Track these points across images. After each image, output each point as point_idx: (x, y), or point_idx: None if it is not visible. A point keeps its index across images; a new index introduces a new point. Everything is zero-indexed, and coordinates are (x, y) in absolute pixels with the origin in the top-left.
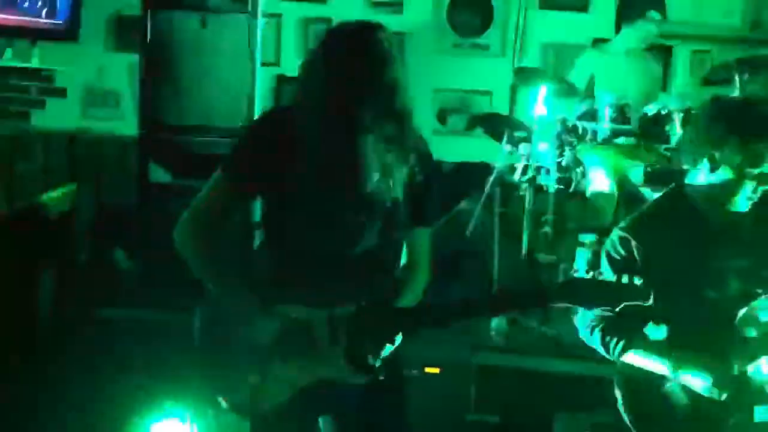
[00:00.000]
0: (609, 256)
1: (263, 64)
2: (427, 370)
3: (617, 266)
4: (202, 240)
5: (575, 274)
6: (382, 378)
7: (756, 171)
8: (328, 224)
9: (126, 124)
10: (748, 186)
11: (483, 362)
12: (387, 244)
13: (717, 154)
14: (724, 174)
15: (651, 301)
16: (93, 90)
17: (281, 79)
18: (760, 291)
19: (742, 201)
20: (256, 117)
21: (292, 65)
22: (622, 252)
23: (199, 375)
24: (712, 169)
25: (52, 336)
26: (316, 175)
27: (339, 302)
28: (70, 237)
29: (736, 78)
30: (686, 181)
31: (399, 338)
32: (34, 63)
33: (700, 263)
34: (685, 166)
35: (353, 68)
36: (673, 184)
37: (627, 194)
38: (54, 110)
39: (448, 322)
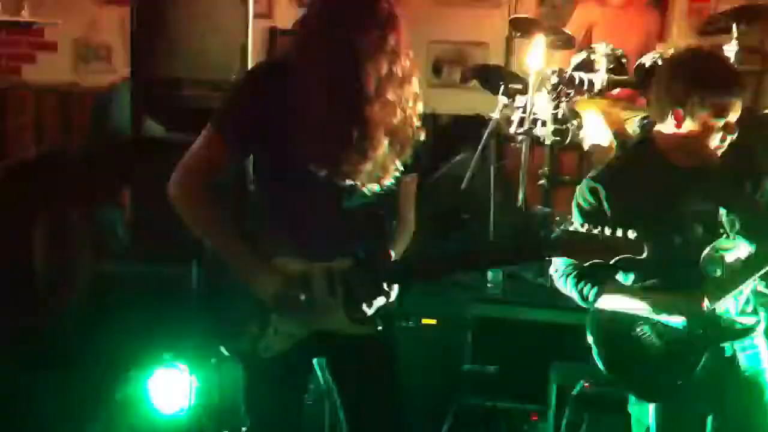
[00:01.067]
0: (579, 206)
1: (256, 16)
2: (424, 321)
3: (586, 215)
4: (196, 196)
5: (570, 227)
6: (380, 329)
7: (721, 121)
8: (322, 180)
9: (119, 76)
10: (715, 136)
11: (480, 314)
12: (380, 196)
13: (681, 110)
14: (690, 127)
15: (645, 254)
16: (84, 44)
17: (274, 32)
18: (722, 232)
19: (709, 150)
20: (245, 72)
21: (284, 17)
22: (592, 200)
23: (199, 324)
24: (678, 125)
25: (50, 290)
26: (309, 134)
27: (336, 255)
28: (65, 191)
29: (733, 27)
30: (654, 130)
31: (396, 290)
32: (24, 17)
33: (667, 209)
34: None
35: (357, 30)
36: (641, 134)
37: (624, 145)
38: (45, 65)
39: (443, 274)
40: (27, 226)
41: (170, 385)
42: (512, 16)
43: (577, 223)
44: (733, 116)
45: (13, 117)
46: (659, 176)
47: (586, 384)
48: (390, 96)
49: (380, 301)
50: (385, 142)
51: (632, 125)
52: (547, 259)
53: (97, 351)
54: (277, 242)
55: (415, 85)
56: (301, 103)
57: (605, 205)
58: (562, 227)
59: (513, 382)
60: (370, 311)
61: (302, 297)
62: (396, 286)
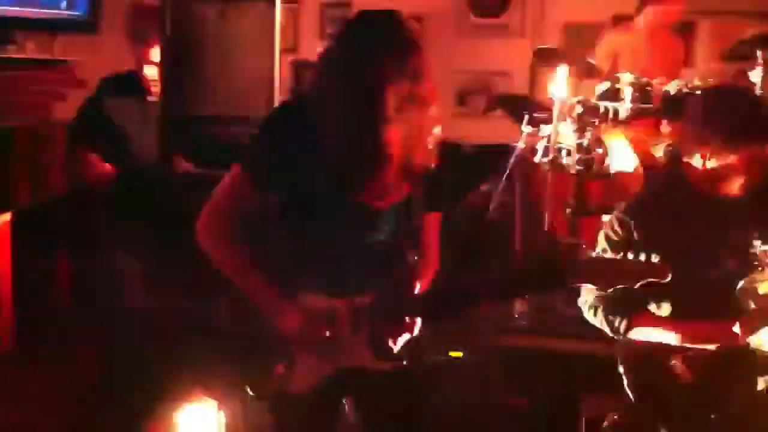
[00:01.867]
0: (608, 239)
1: (282, 51)
2: (451, 353)
3: (616, 248)
4: (223, 236)
5: (593, 254)
6: (405, 363)
7: (744, 165)
8: (347, 214)
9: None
10: (740, 176)
11: (508, 345)
12: (405, 231)
13: (706, 152)
14: (715, 165)
15: (669, 278)
16: None
17: (300, 64)
18: (756, 264)
19: (738, 183)
20: (271, 112)
21: (310, 50)
22: (621, 233)
23: (225, 363)
24: (704, 163)
25: (78, 325)
26: (335, 166)
27: (359, 291)
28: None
29: (758, 53)
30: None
31: (419, 325)
32: (55, 55)
33: (698, 241)
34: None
35: (378, 54)
36: (671, 164)
37: (652, 173)
38: (75, 102)
39: (466, 306)
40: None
41: (199, 422)
42: (536, 47)
43: (603, 254)
44: (756, 163)
45: (44, 153)
46: (689, 207)
47: (616, 416)
48: (409, 120)
49: (404, 336)
50: (401, 165)
51: (658, 152)
52: (571, 286)
53: (127, 387)
54: (301, 279)
55: (433, 111)
56: (323, 131)
57: (635, 236)
58: (585, 255)
59: (542, 414)
60: (394, 347)
61: (326, 334)
62: (419, 321)
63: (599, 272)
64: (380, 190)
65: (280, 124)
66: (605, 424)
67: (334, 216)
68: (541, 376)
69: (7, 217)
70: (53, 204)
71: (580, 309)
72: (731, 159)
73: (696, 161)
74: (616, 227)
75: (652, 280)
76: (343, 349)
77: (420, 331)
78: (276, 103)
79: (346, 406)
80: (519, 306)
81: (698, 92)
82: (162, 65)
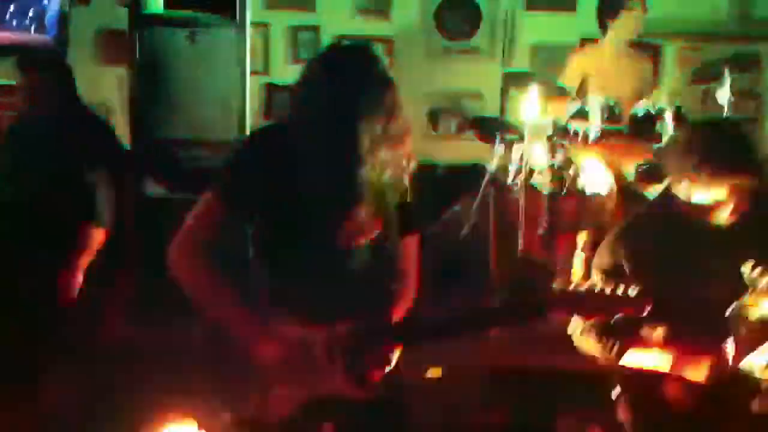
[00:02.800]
0: (599, 267)
1: (253, 73)
2: (430, 372)
3: (607, 276)
4: (195, 262)
5: (571, 286)
6: (384, 392)
7: (731, 197)
8: (322, 242)
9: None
10: (727, 207)
11: (486, 362)
12: (381, 257)
13: (692, 184)
14: (702, 198)
15: (646, 312)
16: None
17: (271, 88)
18: (746, 290)
19: (725, 215)
20: (244, 137)
21: (281, 73)
22: (611, 261)
23: (205, 386)
24: (690, 194)
25: (58, 354)
26: (310, 193)
27: (336, 319)
28: None
29: (726, 75)
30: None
31: (395, 355)
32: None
33: (688, 268)
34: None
35: (351, 91)
36: (661, 191)
37: (622, 192)
38: None
39: (443, 337)
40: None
41: None
42: (505, 70)
43: (595, 282)
44: (744, 194)
45: None
46: (679, 235)
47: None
48: (382, 155)
49: (381, 366)
50: (371, 200)
51: (628, 170)
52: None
53: (108, 408)
54: (277, 307)
55: (408, 146)
56: (295, 162)
57: (624, 264)
58: (561, 285)
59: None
60: (370, 376)
61: (302, 362)
62: (396, 352)
63: (577, 304)
64: (354, 228)
65: (251, 148)
66: None
67: (307, 244)
68: (519, 394)
69: None
70: None
71: (555, 326)
72: (718, 192)
73: (683, 192)
74: (608, 256)
75: (630, 313)
76: (319, 378)
77: (398, 360)
78: (247, 126)
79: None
80: None
81: (665, 113)
82: (131, 89)
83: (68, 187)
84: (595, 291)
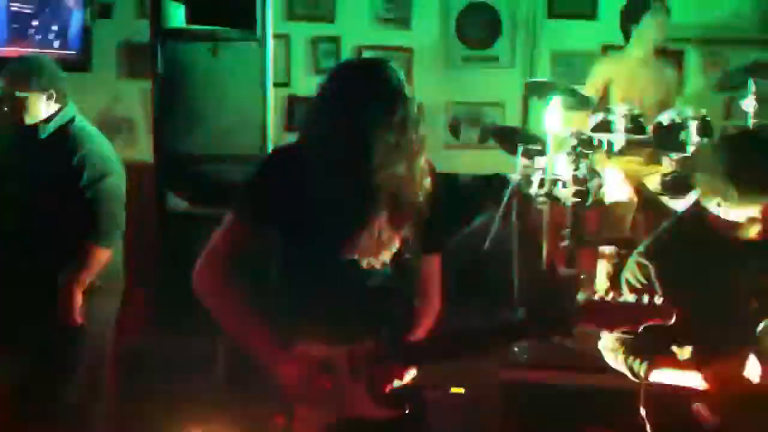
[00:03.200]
0: (628, 283)
1: (274, 85)
2: (453, 390)
3: (637, 293)
4: (218, 282)
5: (596, 297)
6: (407, 411)
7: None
8: (341, 259)
9: (140, 150)
10: (757, 224)
11: (508, 379)
12: (401, 274)
13: (722, 201)
14: (732, 215)
15: (673, 320)
16: (107, 118)
17: (292, 99)
18: None
19: (756, 231)
20: (264, 157)
21: (302, 84)
22: (641, 278)
23: (226, 406)
24: (720, 210)
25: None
26: (325, 208)
27: (358, 337)
28: None
29: (750, 82)
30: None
31: (414, 371)
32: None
33: (719, 284)
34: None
35: (364, 105)
36: (690, 205)
37: (646, 202)
38: None
39: (466, 353)
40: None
41: None
42: (527, 80)
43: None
44: None
45: None
46: (710, 250)
47: None
48: (396, 169)
49: (403, 382)
50: (387, 215)
51: (653, 181)
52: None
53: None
54: (298, 326)
55: (422, 161)
56: (312, 179)
57: (654, 282)
58: (586, 297)
59: None
60: (394, 395)
61: (325, 383)
62: (415, 368)
63: (602, 315)
64: (372, 244)
65: (270, 167)
66: None
67: (327, 262)
68: (542, 411)
69: None
70: None
71: (579, 341)
72: (749, 209)
73: (713, 207)
74: (636, 272)
75: (656, 322)
76: (343, 399)
77: (419, 376)
78: (269, 139)
79: None
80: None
81: (690, 122)
82: (154, 103)
83: (61, 205)
84: (620, 302)
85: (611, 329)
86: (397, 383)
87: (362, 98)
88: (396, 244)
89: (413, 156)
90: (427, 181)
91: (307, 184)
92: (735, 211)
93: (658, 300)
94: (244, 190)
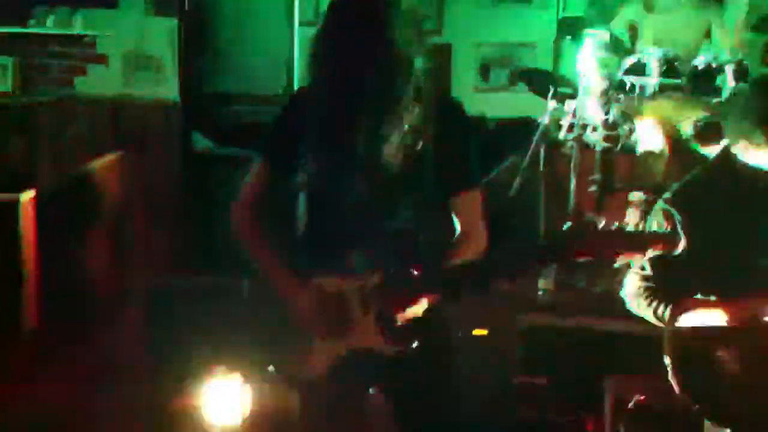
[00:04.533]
0: (653, 227)
1: (303, 24)
2: (475, 332)
3: (661, 237)
4: (247, 225)
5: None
6: (415, 346)
7: None
8: (354, 199)
9: (168, 89)
10: None
11: (531, 323)
12: (424, 216)
13: (758, 140)
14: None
15: (680, 249)
16: (134, 56)
17: None
18: None
19: None
20: (289, 96)
21: None
22: (668, 222)
23: (249, 344)
24: (755, 151)
25: (104, 304)
26: (331, 150)
27: (371, 271)
28: (117, 205)
29: None
30: (731, 148)
31: (423, 304)
32: (76, 30)
33: (748, 231)
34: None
35: (341, 38)
36: (718, 153)
37: (678, 149)
38: (96, 77)
39: (475, 285)
40: (82, 237)
41: (225, 397)
42: (561, 17)
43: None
44: None
45: (66, 129)
46: (737, 198)
47: (642, 398)
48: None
49: (411, 313)
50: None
51: (685, 127)
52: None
53: (151, 365)
54: (316, 261)
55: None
56: (315, 118)
57: (678, 228)
58: (592, 222)
59: (566, 394)
60: (403, 326)
61: (338, 314)
62: (425, 300)
63: (603, 241)
64: (381, 182)
65: (288, 109)
66: (630, 405)
67: (345, 202)
68: (565, 355)
69: (30, 194)
70: (78, 182)
71: (603, 286)
72: None
73: (742, 153)
74: (661, 219)
75: (663, 249)
76: (353, 331)
77: (432, 311)
78: (295, 79)
79: (371, 389)
80: (543, 283)
81: (726, 67)
82: (181, 41)
83: None
84: (626, 228)
85: (616, 255)
86: (406, 315)
87: (339, 32)
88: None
89: (407, 82)
90: (450, 107)
91: (314, 124)
92: (763, 157)
93: (663, 226)
94: (267, 131)
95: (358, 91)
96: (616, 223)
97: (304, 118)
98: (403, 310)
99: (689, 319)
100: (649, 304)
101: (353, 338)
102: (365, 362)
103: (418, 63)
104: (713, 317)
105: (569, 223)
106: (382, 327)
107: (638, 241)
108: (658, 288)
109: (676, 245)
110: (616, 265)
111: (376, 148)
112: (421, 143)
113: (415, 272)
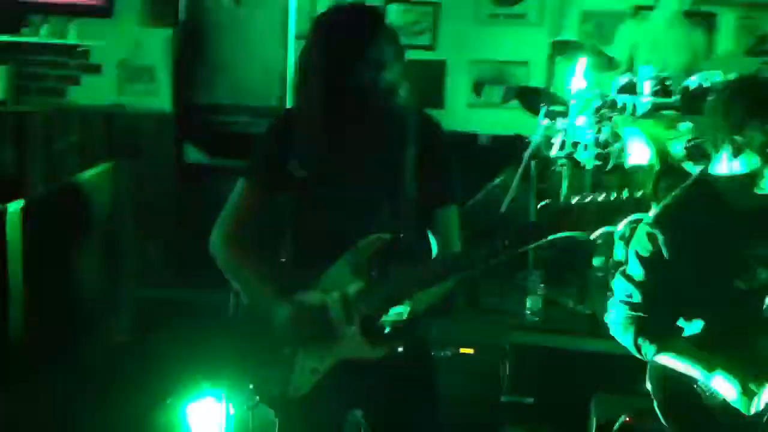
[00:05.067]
0: (637, 254)
1: (298, 38)
2: (462, 350)
3: (645, 263)
4: (229, 246)
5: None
6: (400, 349)
7: None
8: (338, 214)
9: (161, 99)
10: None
11: (518, 342)
12: (404, 228)
13: (738, 138)
14: (748, 159)
15: (651, 212)
16: (128, 65)
17: None
18: None
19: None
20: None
21: None
22: (650, 248)
23: (235, 354)
24: (735, 155)
25: (91, 315)
26: (317, 167)
27: (353, 280)
28: (108, 215)
29: None
30: (710, 169)
31: (406, 304)
32: (70, 39)
33: (727, 253)
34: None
35: (326, 55)
36: (696, 174)
37: (667, 168)
38: (90, 86)
39: (448, 274)
40: (73, 247)
41: (208, 414)
42: (554, 39)
43: (635, 271)
44: None
45: (60, 138)
46: (716, 219)
47: (628, 418)
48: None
49: (390, 312)
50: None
51: (676, 145)
52: (549, 238)
53: (135, 378)
54: (301, 279)
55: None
56: (299, 139)
57: (663, 250)
58: (556, 202)
59: (552, 414)
60: (386, 327)
61: (321, 327)
62: (406, 296)
63: (574, 216)
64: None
65: (273, 129)
66: (616, 426)
67: (326, 216)
68: (551, 374)
69: (20, 204)
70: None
71: (590, 306)
72: (764, 145)
73: (723, 163)
74: (645, 242)
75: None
76: (338, 342)
77: (416, 315)
78: (288, 92)
79: (351, 415)
80: (531, 303)
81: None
82: (175, 52)
83: None
84: (595, 201)
85: (590, 228)
86: (389, 318)
87: (325, 48)
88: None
89: (390, 99)
90: (429, 123)
91: (301, 143)
92: (744, 158)
93: (628, 192)
94: (252, 152)
95: (343, 109)
96: (590, 197)
97: (289, 140)
98: (386, 312)
99: (672, 361)
100: (635, 339)
101: (339, 349)
102: (347, 383)
103: (400, 80)
104: (695, 364)
105: (544, 202)
106: (366, 332)
107: (611, 210)
108: (644, 321)
109: (647, 208)
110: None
111: (361, 165)
112: (402, 159)
113: (397, 275)
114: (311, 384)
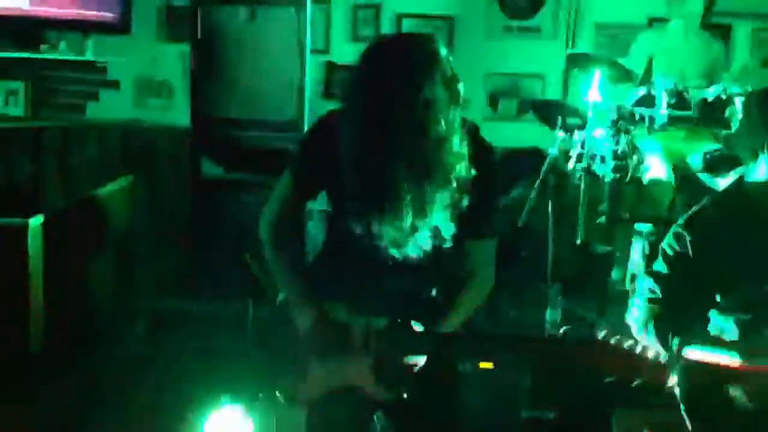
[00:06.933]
0: (663, 251)
1: (313, 52)
2: (481, 365)
3: (670, 260)
4: (271, 236)
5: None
6: (405, 397)
7: None
8: (371, 233)
9: (178, 113)
10: None
11: (538, 356)
12: (438, 257)
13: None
14: None
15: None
16: (145, 81)
17: (331, 66)
18: None
19: None
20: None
21: (341, 52)
22: (676, 247)
23: (255, 367)
24: (762, 170)
25: (108, 328)
26: (356, 188)
27: (380, 312)
28: (126, 229)
29: None
30: (746, 177)
31: (420, 359)
32: (88, 55)
33: (759, 256)
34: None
35: (385, 86)
36: (733, 180)
37: (685, 181)
38: (107, 102)
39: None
40: (91, 260)
41: (227, 428)
42: (569, 52)
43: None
44: None
45: (78, 154)
46: (750, 222)
47: None
48: (422, 152)
49: (402, 368)
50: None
51: (694, 157)
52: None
53: (152, 390)
54: (331, 290)
55: (455, 144)
56: (344, 152)
57: (689, 249)
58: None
59: (574, 429)
60: (396, 377)
61: (341, 346)
62: (418, 357)
63: (601, 358)
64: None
65: (319, 129)
66: None
67: (359, 230)
68: (572, 389)
69: (40, 219)
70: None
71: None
72: None
73: (759, 170)
74: (673, 242)
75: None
76: (350, 366)
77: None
78: (306, 107)
79: (376, 417)
80: (551, 316)
81: (736, 99)
82: (192, 67)
83: None
84: (623, 348)
85: (608, 372)
86: (402, 365)
87: (384, 79)
88: (427, 234)
89: (440, 139)
90: (462, 166)
91: (341, 156)
92: None
93: (656, 354)
94: (297, 147)
95: (395, 148)
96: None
97: (330, 144)
98: (401, 360)
99: (698, 353)
100: (657, 332)
101: (347, 373)
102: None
103: (456, 114)
104: (723, 354)
105: (566, 328)
106: (377, 370)
107: (633, 365)
108: (667, 315)
109: (666, 379)
110: None
111: (395, 193)
112: (464, 196)
113: (418, 328)
114: (318, 393)
